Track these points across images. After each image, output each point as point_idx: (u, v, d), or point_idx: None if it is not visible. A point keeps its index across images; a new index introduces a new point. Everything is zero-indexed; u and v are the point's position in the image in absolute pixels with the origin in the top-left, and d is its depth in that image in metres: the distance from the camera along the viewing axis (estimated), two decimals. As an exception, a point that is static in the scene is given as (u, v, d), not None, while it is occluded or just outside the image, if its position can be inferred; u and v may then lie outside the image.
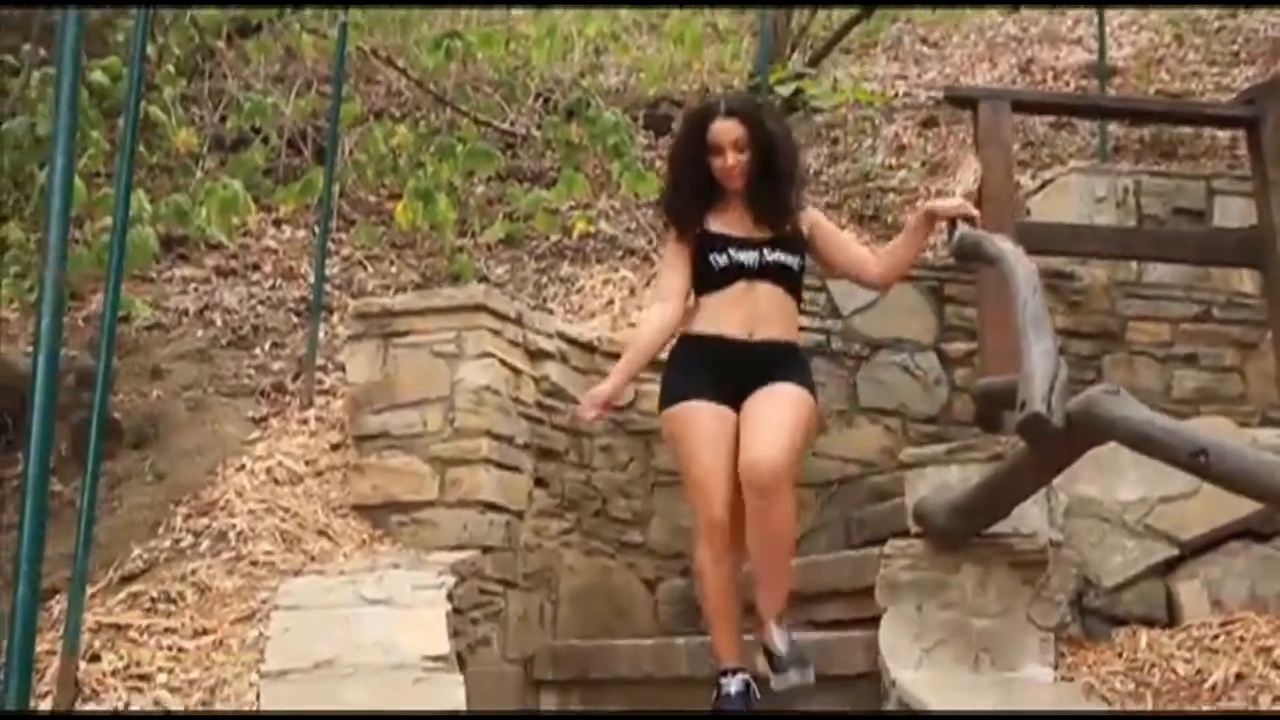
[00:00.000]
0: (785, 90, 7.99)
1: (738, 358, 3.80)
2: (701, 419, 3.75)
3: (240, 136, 7.09)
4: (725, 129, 3.84)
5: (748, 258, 3.83)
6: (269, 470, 4.78)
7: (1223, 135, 7.32)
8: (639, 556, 5.36)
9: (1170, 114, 6.17)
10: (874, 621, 4.21)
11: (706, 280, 3.87)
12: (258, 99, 6.73)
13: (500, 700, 4.60)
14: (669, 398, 3.86)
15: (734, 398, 3.79)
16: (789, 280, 3.89)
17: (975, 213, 3.93)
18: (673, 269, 3.96)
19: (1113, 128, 7.56)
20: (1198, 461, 2.92)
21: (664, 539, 5.41)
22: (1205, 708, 3.74)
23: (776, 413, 3.73)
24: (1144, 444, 3.10)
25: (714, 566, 3.79)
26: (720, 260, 3.83)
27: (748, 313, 3.81)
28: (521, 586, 4.84)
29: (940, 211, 3.97)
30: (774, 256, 3.85)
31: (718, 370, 3.78)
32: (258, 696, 3.51)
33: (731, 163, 3.83)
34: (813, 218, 4.03)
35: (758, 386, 3.78)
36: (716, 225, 3.90)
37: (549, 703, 4.78)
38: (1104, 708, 3.82)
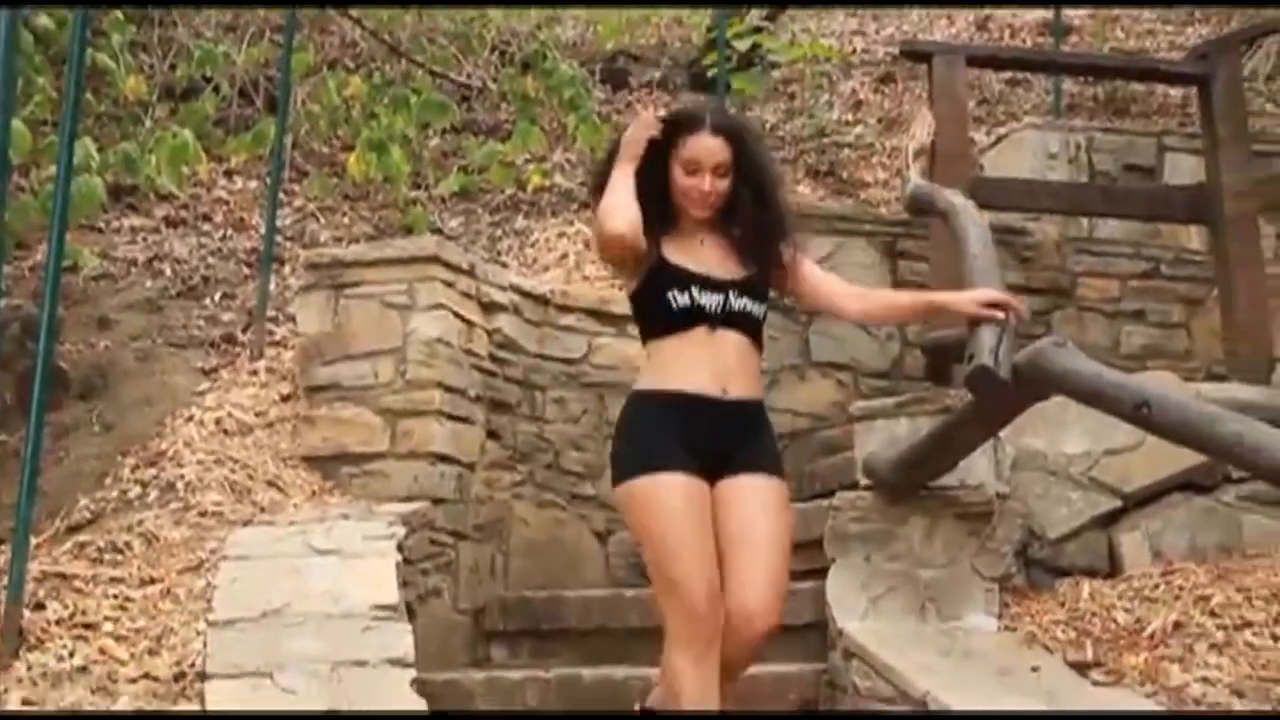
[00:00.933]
0: (742, 44, 7.96)
1: (712, 420, 3.11)
2: (676, 500, 3.03)
3: (191, 85, 7.00)
4: (711, 149, 3.17)
5: (711, 301, 3.14)
6: (218, 421, 4.75)
7: (1175, 93, 7.36)
8: (591, 509, 5.38)
9: (1123, 70, 6.20)
10: (823, 573, 4.25)
11: (659, 321, 3.17)
12: (208, 47, 6.65)
13: (451, 650, 4.62)
14: (629, 466, 3.10)
15: (707, 467, 3.09)
16: (753, 330, 3.22)
17: (1001, 317, 3.21)
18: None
19: (1067, 85, 7.59)
20: (1141, 414, 2.96)
21: (616, 491, 5.42)
22: (1144, 655, 3.81)
23: (771, 539, 3.09)
24: (1089, 396, 3.13)
25: (696, 666, 3.00)
26: (681, 300, 3.13)
27: (719, 366, 3.13)
28: (473, 538, 4.85)
29: (957, 307, 3.29)
30: (740, 303, 3.17)
31: (689, 434, 3.08)
32: (204, 645, 3.51)
33: (708, 189, 3.17)
34: (799, 261, 3.33)
35: (733, 459, 3.12)
36: (675, 255, 3.19)
37: (499, 654, 4.80)
38: (1045, 656, 3.88)
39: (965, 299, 3.27)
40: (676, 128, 3.22)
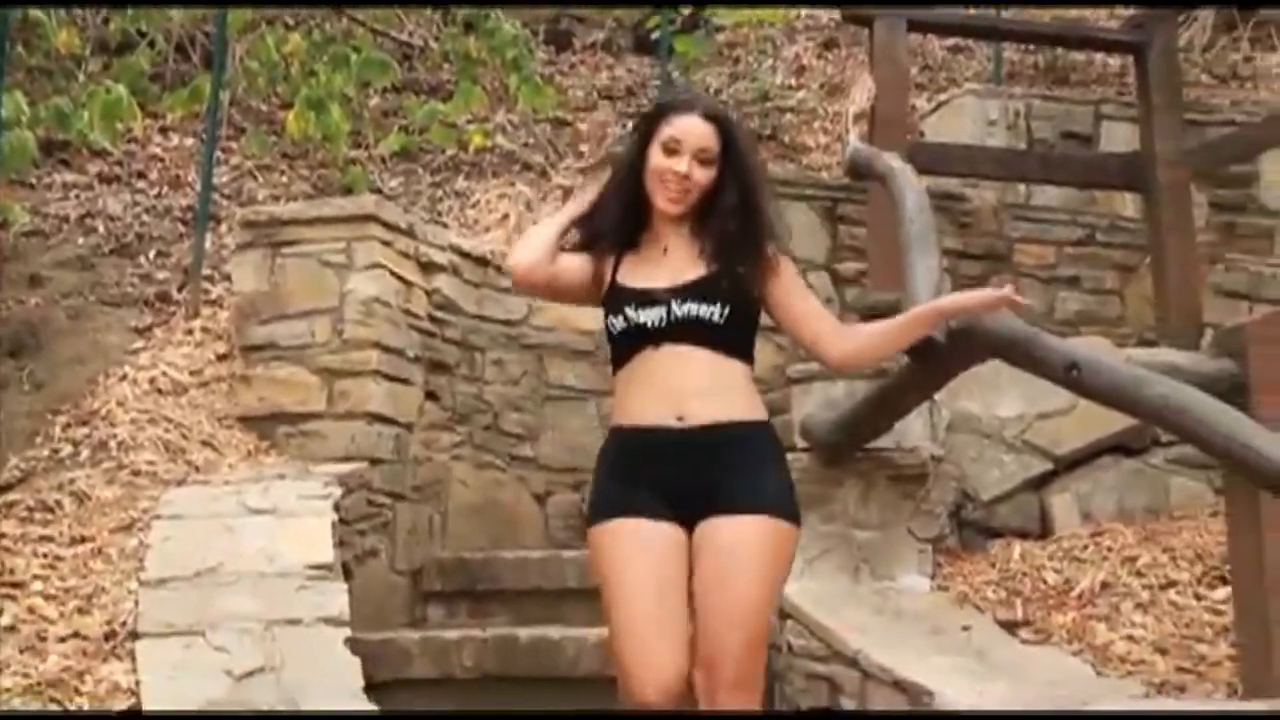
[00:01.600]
0: (686, 8, 7.92)
1: (675, 452, 2.64)
2: (630, 552, 2.58)
3: (125, 40, 6.86)
4: (699, 131, 2.72)
5: (649, 317, 2.68)
6: (152, 380, 4.70)
7: (1114, 62, 7.42)
8: (530, 470, 5.38)
9: (1062, 37, 6.25)
10: (758, 533, 4.27)
11: (613, 350, 2.77)
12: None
13: (388, 611, 4.62)
14: (592, 509, 2.72)
15: (685, 508, 2.63)
16: (717, 337, 2.66)
17: (1011, 293, 2.74)
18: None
19: (1009, 53, 7.63)
20: (1071, 376, 3.00)
21: (555, 453, 5.43)
22: (1071, 614, 3.88)
23: (741, 600, 2.54)
24: (1022, 359, 3.18)
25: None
26: (617, 323, 2.71)
27: (671, 387, 2.65)
28: (411, 499, 4.83)
29: (949, 311, 2.85)
30: (685, 309, 2.66)
31: (649, 473, 2.64)
32: (136, 604, 3.48)
33: (685, 170, 2.70)
34: (780, 265, 2.77)
35: (716, 495, 2.61)
36: (626, 274, 2.77)
37: (436, 614, 4.80)
38: (976, 615, 3.94)
39: (973, 296, 2.84)
40: (662, 111, 2.78)
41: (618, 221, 2.77)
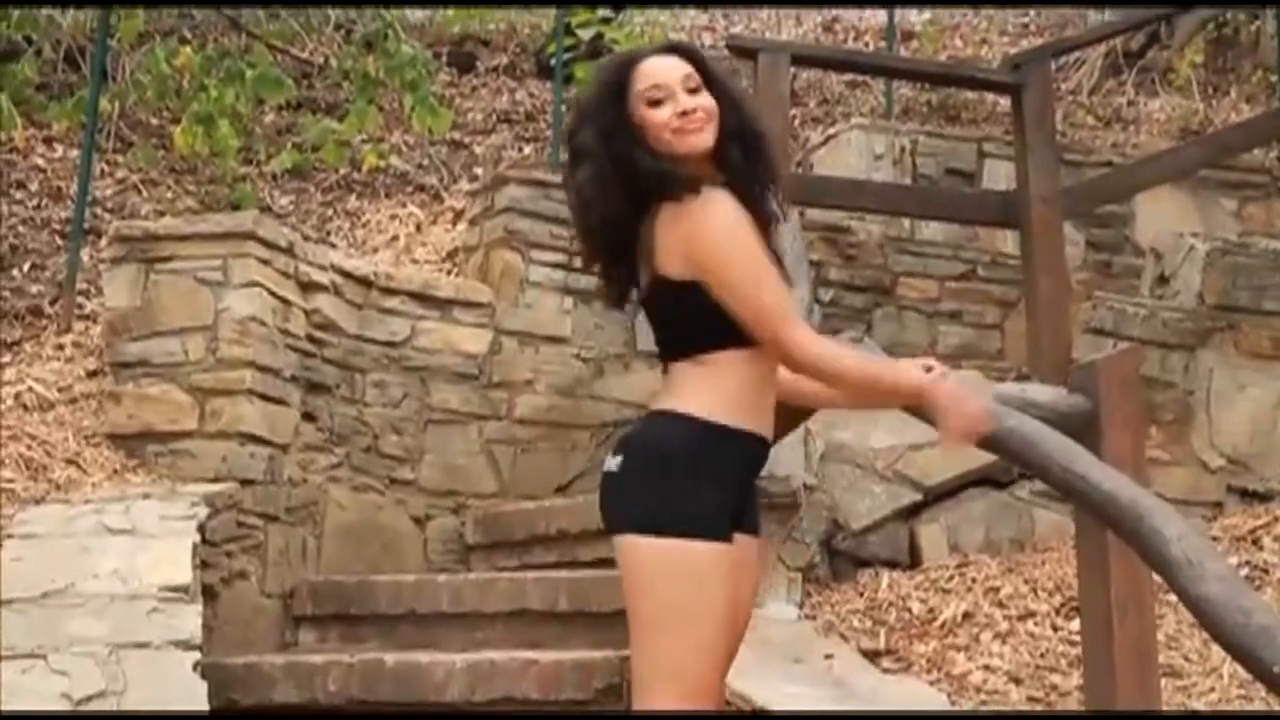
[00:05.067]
0: (586, 33, 7.96)
1: (754, 473, 2.54)
2: (730, 578, 2.38)
3: (11, 47, 6.74)
4: (669, 65, 2.42)
5: None
6: (17, 396, 4.60)
7: (1004, 102, 7.58)
8: (410, 494, 5.32)
9: (944, 76, 6.38)
10: (629, 560, 4.27)
11: (718, 334, 2.39)
12: (28, 10, 6.41)
13: (256, 634, 4.54)
14: (696, 518, 2.35)
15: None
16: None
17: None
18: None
19: (904, 90, 7.76)
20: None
21: (436, 476, 5.38)
22: (933, 644, 3.93)
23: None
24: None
25: None
26: None
27: (769, 397, 2.50)
28: (284, 520, 4.77)
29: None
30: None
31: (740, 490, 2.47)
32: (-21, 625, 3.39)
33: (686, 106, 2.38)
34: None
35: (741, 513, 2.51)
36: None
37: (308, 638, 4.73)
38: (840, 644, 3.98)
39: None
40: (621, 75, 2.44)
41: (626, 213, 2.41)
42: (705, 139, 2.39)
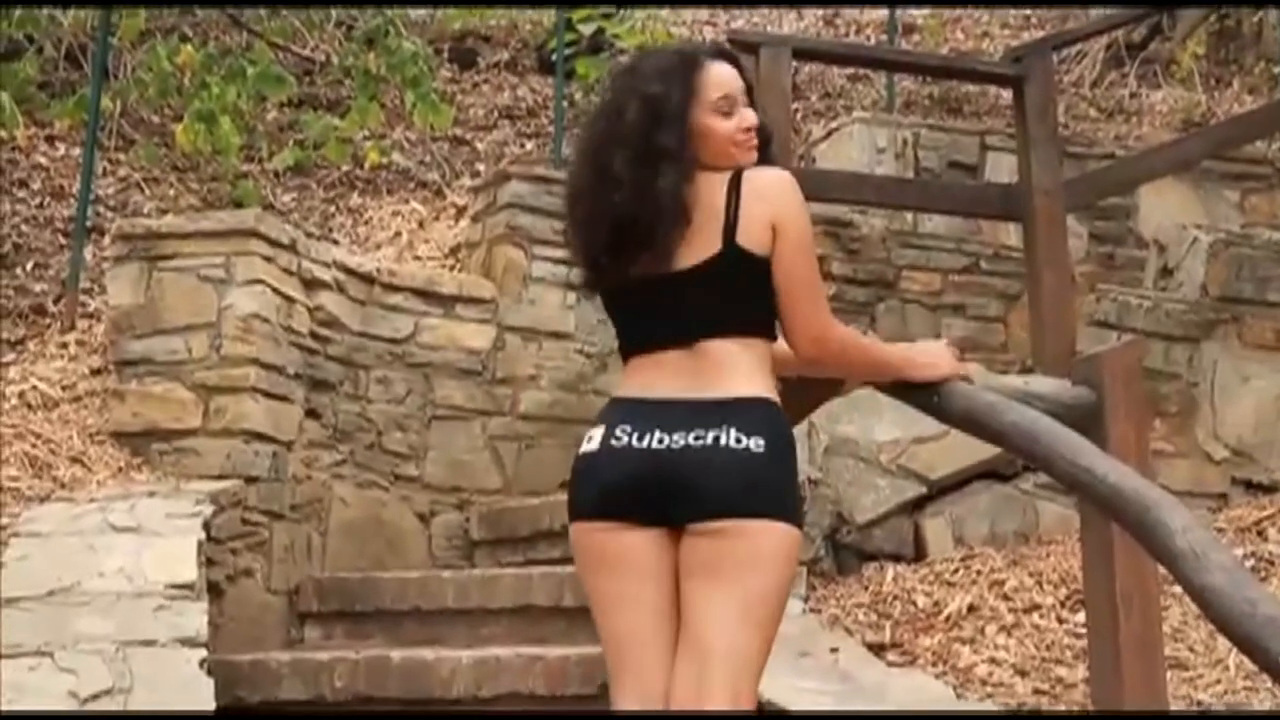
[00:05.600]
0: (587, 29, 7.96)
1: None
2: None
3: (12, 46, 6.74)
4: (732, 77, 2.45)
5: None
6: (21, 395, 4.61)
7: (1005, 95, 7.57)
8: (414, 490, 5.33)
9: (945, 69, 6.38)
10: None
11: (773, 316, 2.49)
12: (29, 9, 6.41)
13: (262, 631, 4.55)
14: (802, 515, 2.50)
15: None
16: None
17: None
18: None
19: (906, 83, 7.75)
20: (933, 402, 3.05)
21: (440, 473, 5.39)
22: (938, 637, 3.93)
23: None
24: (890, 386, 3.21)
25: None
26: None
27: None
28: (289, 518, 4.77)
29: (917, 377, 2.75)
30: None
31: None
32: (-14, 623, 3.40)
33: (751, 121, 2.44)
34: None
35: None
36: None
37: (313, 635, 4.74)
38: (845, 638, 3.98)
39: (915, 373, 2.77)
40: (692, 65, 2.44)
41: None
42: (755, 154, 2.46)
